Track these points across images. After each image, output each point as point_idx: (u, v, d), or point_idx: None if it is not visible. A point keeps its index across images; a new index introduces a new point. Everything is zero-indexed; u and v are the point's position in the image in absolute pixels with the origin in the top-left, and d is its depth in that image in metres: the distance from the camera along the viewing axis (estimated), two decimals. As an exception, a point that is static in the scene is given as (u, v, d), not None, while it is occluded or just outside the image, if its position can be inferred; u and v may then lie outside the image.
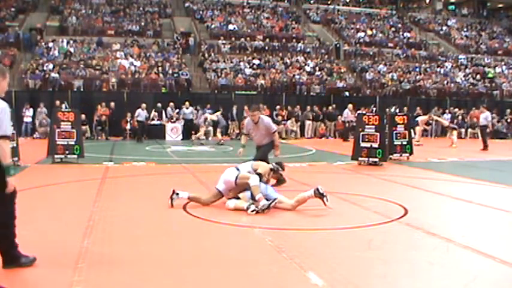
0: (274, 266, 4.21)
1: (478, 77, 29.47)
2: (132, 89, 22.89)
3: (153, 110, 20.82)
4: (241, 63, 26.50)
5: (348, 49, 30.84)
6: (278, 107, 22.80)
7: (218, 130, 19.35)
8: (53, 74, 22.43)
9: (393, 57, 30.71)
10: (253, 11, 33.38)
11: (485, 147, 16.37)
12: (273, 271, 4.09)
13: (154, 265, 4.18)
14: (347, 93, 25.71)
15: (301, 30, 32.15)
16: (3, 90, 4.09)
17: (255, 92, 24.21)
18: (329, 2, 37.66)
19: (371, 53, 30.45)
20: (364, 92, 26.65)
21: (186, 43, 29.00)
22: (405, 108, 21.90)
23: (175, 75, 24.19)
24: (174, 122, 21.08)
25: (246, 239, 5.08)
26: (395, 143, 12.69)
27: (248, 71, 25.82)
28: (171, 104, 21.65)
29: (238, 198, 6.39)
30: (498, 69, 30.87)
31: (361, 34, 32.40)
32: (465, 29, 36.59)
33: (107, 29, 28.38)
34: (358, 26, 33.65)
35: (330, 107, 23.36)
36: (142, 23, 29.49)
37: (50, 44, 25.49)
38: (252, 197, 6.28)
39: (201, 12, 32.05)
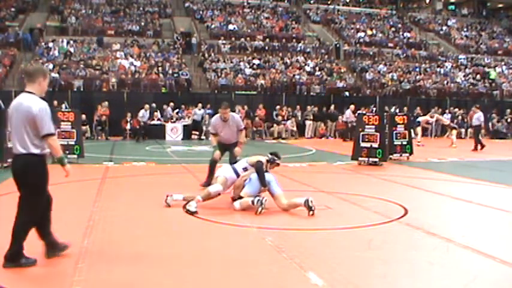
0: (274, 266, 4.21)
1: (478, 77, 29.47)
2: (132, 89, 22.88)
3: (154, 111, 20.85)
4: (241, 63, 26.50)
5: (348, 49, 30.83)
6: (278, 107, 22.81)
7: None
8: (53, 74, 22.39)
9: (393, 57, 30.71)
10: (253, 11, 33.37)
11: (476, 147, 16.35)
12: (273, 271, 4.09)
13: (154, 265, 4.19)
14: (347, 93, 25.71)
15: (301, 30, 32.15)
16: (44, 90, 4.27)
17: (255, 92, 24.20)
18: (329, 2, 37.65)
19: (371, 53, 30.44)
20: (364, 92, 26.64)
21: (185, 43, 29.00)
22: (405, 108, 21.90)
23: (175, 75, 24.18)
24: (174, 122, 21.08)
25: (246, 239, 5.08)
26: (395, 143, 12.69)
27: (248, 71, 25.81)
28: (171, 104, 21.66)
29: (241, 197, 6.39)
30: (498, 69, 30.86)
31: (361, 34, 32.40)
32: (465, 29, 36.58)
33: (107, 29, 28.36)
34: (358, 26, 33.64)
35: (332, 107, 23.36)
36: (142, 23, 29.48)
37: (50, 44, 25.48)
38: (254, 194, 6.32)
39: (201, 12, 32.04)
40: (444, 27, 36.25)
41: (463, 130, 23.64)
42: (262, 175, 6.40)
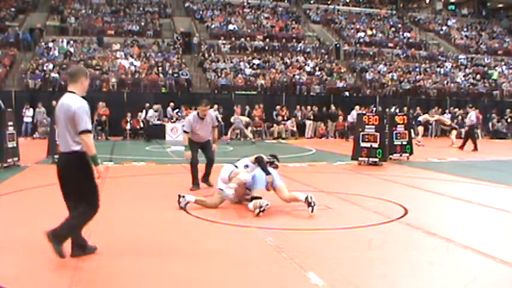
0: (274, 266, 4.21)
1: (478, 77, 29.47)
2: (132, 89, 22.89)
3: (153, 110, 20.87)
4: (241, 63, 26.50)
5: (348, 49, 30.83)
6: (278, 107, 22.80)
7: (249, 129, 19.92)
8: (53, 74, 22.43)
9: (393, 57, 30.71)
10: (253, 11, 33.37)
11: (476, 147, 16.29)
12: (273, 271, 4.09)
13: (154, 265, 4.18)
14: (347, 93, 25.71)
15: (301, 30, 32.15)
16: (85, 90, 4.43)
17: (255, 92, 24.21)
18: (329, 2, 37.64)
19: (371, 53, 30.44)
20: (364, 92, 26.64)
21: (185, 43, 28.99)
22: (405, 108, 21.91)
23: (175, 75, 24.18)
24: (174, 122, 21.08)
25: (246, 239, 5.08)
26: (395, 143, 12.69)
27: (248, 71, 25.81)
28: (171, 104, 21.66)
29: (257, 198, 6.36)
30: (498, 69, 30.86)
31: (361, 34, 32.40)
32: (465, 29, 36.59)
33: (107, 29, 28.36)
34: (358, 26, 33.64)
35: (332, 107, 23.35)
36: (142, 23, 29.48)
37: (50, 44, 25.48)
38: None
39: (201, 12, 32.04)
40: (444, 27, 36.26)
41: (463, 130, 23.60)
42: (264, 164, 6.46)
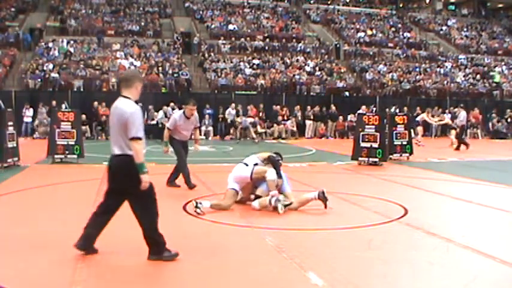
0: (274, 266, 4.21)
1: (478, 77, 29.47)
2: (132, 89, 22.86)
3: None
4: (241, 63, 26.49)
5: (348, 49, 30.83)
6: (278, 107, 22.80)
7: (253, 130, 19.92)
8: (53, 74, 22.43)
9: (393, 57, 30.70)
10: (253, 11, 33.36)
11: (458, 147, 16.30)
12: (273, 271, 4.09)
13: (154, 265, 4.19)
14: (347, 93, 25.71)
15: (301, 30, 32.14)
16: (139, 94, 4.44)
17: (255, 92, 24.20)
18: (329, 2, 37.63)
19: (371, 53, 30.43)
20: (364, 92, 26.63)
21: (185, 43, 28.99)
22: (405, 108, 21.89)
23: (175, 75, 24.17)
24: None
25: (246, 239, 5.08)
26: (395, 143, 12.69)
27: (248, 71, 25.80)
28: (171, 104, 21.65)
29: (259, 197, 6.36)
30: (498, 69, 30.86)
31: (361, 34, 32.39)
32: (465, 29, 36.58)
33: (107, 29, 28.35)
34: (358, 26, 33.63)
35: (333, 107, 23.35)
36: (142, 23, 29.48)
37: (50, 44, 25.47)
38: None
39: (201, 12, 32.03)
40: (444, 27, 36.25)
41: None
42: (278, 167, 6.40)
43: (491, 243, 5.01)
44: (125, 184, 4.26)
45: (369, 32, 32.98)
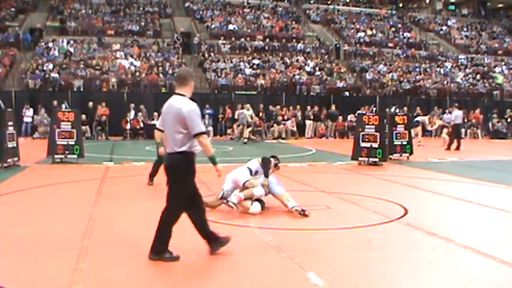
0: (274, 266, 4.21)
1: (478, 77, 29.47)
2: (132, 89, 22.88)
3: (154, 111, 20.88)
4: (241, 63, 26.49)
5: (348, 49, 30.83)
6: (278, 107, 22.79)
7: (249, 129, 19.66)
8: (53, 74, 22.43)
9: (393, 57, 30.70)
10: (253, 11, 33.36)
11: (449, 147, 16.25)
12: (273, 271, 4.09)
13: (154, 265, 4.19)
14: (347, 93, 25.71)
15: (301, 30, 32.15)
16: (192, 91, 4.48)
17: (255, 92, 24.20)
18: (329, 2, 37.64)
19: (371, 53, 30.44)
20: (364, 92, 26.64)
21: (185, 43, 28.98)
22: (405, 108, 21.90)
23: (175, 75, 24.13)
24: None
25: (246, 239, 5.08)
26: (395, 143, 12.69)
27: (248, 71, 25.81)
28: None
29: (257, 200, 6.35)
30: (498, 69, 30.86)
31: (361, 34, 32.40)
32: (465, 29, 36.58)
33: (107, 29, 28.36)
34: (358, 26, 33.64)
35: (333, 107, 23.35)
36: (142, 23, 29.48)
37: (50, 44, 25.48)
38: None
39: (201, 12, 32.04)
40: (444, 27, 36.25)
41: (463, 130, 23.64)
42: (267, 168, 6.47)
43: (491, 243, 5.01)
44: (175, 181, 4.33)
45: (369, 32, 32.99)
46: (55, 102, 18.66)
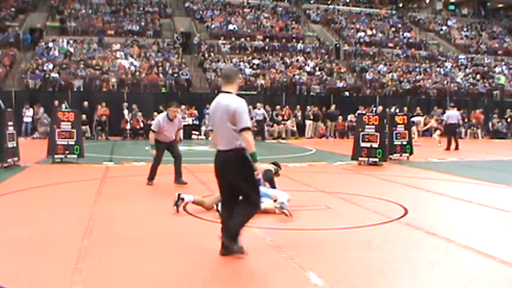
0: (274, 266, 4.21)
1: (478, 77, 29.47)
2: (132, 89, 22.88)
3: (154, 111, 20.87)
4: (241, 63, 26.48)
5: (348, 49, 30.83)
6: (278, 107, 22.79)
7: None
8: (53, 74, 22.43)
9: (393, 57, 30.70)
10: (253, 11, 33.36)
11: (449, 147, 16.16)
12: (273, 271, 4.09)
13: (154, 265, 4.19)
14: (347, 93, 25.71)
15: (301, 30, 32.14)
16: (237, 88, 4.58)
17: (255, 92, 24.19)
18: (329, 2, 37.63)
19: (371, 53, 30.44)
20: (364, 92, 26.64)
21: (185, 43, 28.98)
22: (405, 108, 21.90)
23: (175, 75, 24.17)
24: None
25: (246, 239, 5.06)
26: (395, 143, 12.69)
27: (248, 71, 25.80)
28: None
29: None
30: (498, 69, 30.86)
31: (361, 34, 32.40)
32: (465, 29, 36.58)
33: (107, 29, 28.35)
34: (358, 26, 33.64)
35: (332, 107, 23.35)
36: (142, 23, 29.48)
37: (50, 44, 25.48)
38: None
39: (201, 12, 32.03)
40: (444, 27, 36.25)
41: (463, 130, 23.68)
42: (272, 180, 6.63)
43: (491, 243, 5.01)
44: (236, 177, 4.34)
45: (369, 32, 32.99)
46: (56, 102, 18.67)
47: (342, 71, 27.90)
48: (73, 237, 4.99)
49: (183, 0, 33.65)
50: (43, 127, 19.43)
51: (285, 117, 22.53)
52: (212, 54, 27.04)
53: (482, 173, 10.61)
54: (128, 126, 20.39)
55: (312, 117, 22.90)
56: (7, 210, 6.47)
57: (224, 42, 28.48)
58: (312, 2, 37.40)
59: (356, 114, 20.76)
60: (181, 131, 9.00)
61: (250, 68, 26.25)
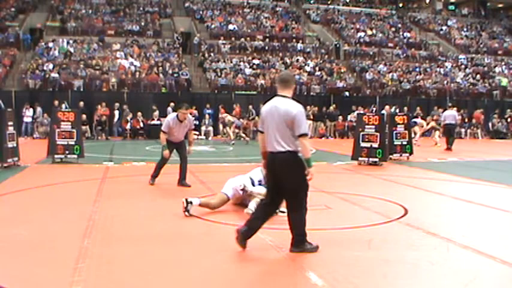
0: (274, 266, 4.21)
1: (478, 77, 29.47)
2: (132, 89, 22.89)
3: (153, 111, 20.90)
4: (241, 63, 26.50)
5: (348, 49, 30.84)
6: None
7: (231, 130, 19.23)
8: (53, 74, 22.44)
9: (393, 57, 30.72)
10: (253, 11, 33.37)
11: (449, 147, 16.12)
12: (273, 271, 4.09)
13: (154, 265, 4.18)
14: (347, 93, 25.72)
15: (301, 30, 32.15)
16: (292, 93, 4.71)
17: (255, 92, 24.20)
18: (329, 2, 37.65)
19: (371, 53, 30.45)
20: (364, 92, 26.64)
21: (185, 43, 28.98)
22: (405, 108, 21.91)
23: (175, 75, 24.18)
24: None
25: (246, 239, 5.07)
26: (395, 143, 12.69)
27: (248, 71, 25.81)
28: (172, 104, 21.65)
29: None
30: (498, 69, 30.86)
31: (361, 34, 32.41)
32: (465, 29, 36.59)
33: (107, 29, 28.37)
34: (358, 26, 33.64)
35: (332, 107, 23.34)
36: (142, 23, 29.48)
37: (50, 44, 25.49)
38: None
39: (201, 12, 32.04)
40: (444, 27, 36.25)
41: (463, 130, 23.70)
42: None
43: (491, 243, 5.00)
44: (288, 179, 4.43)
45: (369, 32, 33.00)
46: (56, 102, 18.68)
47: (342, 71, 27.91)
48: (73, 237, 4.99)
49: (183, 0, 33.65)
50: (43, 127, 19.44)
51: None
52: (212, 54, 27.04)
53: (482, 173, 10.60)
54: (128, 126, 20.39)
55: (312, 117, 22.88)
56: (7, 210, 6.47)
57: (224, 42, 28.48)
58: (312, 2, 37.41)
59: (356, 114, 20.86)
60: (192, 132, 8.87)
61: (250, 68, 26.26)
